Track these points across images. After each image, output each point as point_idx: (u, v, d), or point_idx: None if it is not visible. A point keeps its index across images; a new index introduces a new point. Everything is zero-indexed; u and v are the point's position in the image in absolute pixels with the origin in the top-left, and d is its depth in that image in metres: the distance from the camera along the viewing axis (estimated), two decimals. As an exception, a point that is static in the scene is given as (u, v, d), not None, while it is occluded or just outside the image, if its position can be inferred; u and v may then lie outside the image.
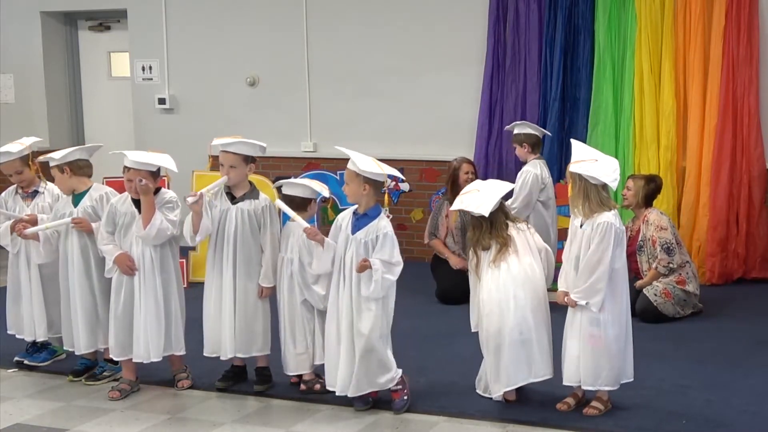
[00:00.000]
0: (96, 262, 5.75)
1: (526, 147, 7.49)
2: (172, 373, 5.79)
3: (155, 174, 5.51)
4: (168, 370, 5.80)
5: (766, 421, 5.00)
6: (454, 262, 7.61)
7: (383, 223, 5.18)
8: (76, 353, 5.90)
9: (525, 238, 5.28)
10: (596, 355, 5.02)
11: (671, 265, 6.90)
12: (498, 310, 5.12)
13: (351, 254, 5.15)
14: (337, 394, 5.24)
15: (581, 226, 5.06)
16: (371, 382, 5.20)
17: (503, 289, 5.13)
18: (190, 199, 5.41)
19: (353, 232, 5.17)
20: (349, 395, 5.22)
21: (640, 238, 7.02)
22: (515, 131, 7.59)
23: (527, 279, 5.18)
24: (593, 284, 4.97)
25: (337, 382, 5.22)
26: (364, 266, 5.08)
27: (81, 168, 5.79)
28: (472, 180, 7.49)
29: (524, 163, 7.54)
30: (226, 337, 5.56)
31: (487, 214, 5.12)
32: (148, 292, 5.52)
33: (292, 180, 5.72)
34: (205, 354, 5.67)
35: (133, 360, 5.61)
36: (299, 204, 5.51)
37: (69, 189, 5.83)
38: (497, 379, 5.17)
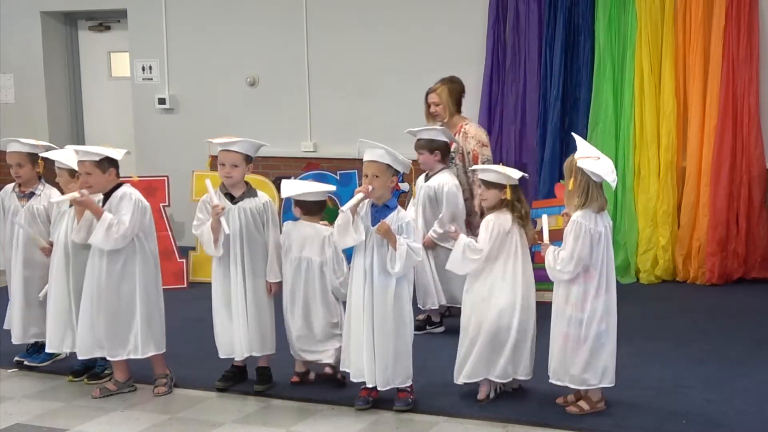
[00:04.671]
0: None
1: (437, 154, 6.60)
2: (154, 376, 5.72)
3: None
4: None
5: (766, 421, 5.00)
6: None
7: (403, 213, 5.24)
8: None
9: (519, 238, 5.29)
10: (567, 351, 5.02)
11: None
12: (498, 310, 5.19)
13: (372, 245, 5.15)
14: (368, 385, 5.25)
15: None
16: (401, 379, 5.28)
17: (508, 291, 5.21)
18: (211, 203, 5.40)
19: (374, 223, 5.17)
20: (380, 388, 5.23)
21: (457, 149, 6.80)
22: (424, 136, 6.63)
23: (528, 283, 5.27)
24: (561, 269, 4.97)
25: (365, 374, 5.22)
26: (384, 228, 5.08)
27: None
28: None
29: (431, 171, 6.63)
30: (240, 338, 5.55)
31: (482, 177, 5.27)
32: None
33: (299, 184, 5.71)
34: (221, 356, 5.66)
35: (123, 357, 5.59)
36: (313, 209, 5.56)
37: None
38: (461, 368, 5.30)
